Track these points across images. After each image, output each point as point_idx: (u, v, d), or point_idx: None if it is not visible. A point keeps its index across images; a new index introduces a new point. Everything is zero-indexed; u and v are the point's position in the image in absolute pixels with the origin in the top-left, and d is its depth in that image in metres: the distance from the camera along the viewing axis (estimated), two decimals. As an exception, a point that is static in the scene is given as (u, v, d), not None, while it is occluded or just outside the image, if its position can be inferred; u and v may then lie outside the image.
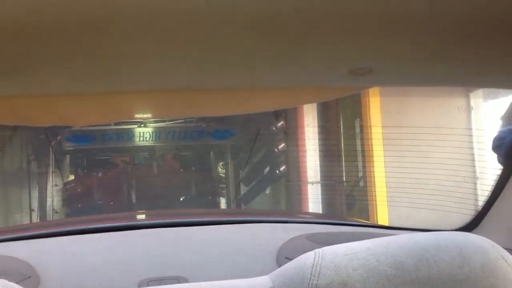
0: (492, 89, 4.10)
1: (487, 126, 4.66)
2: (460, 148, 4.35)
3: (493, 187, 1.30)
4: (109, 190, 6.83)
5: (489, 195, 1.32)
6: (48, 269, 1.17)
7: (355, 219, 3.39)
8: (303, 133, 5.51)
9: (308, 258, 0.65)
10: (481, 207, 1.34)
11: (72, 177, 6.93)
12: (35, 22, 0.68)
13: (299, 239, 1.32)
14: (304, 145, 5.51)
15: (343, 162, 5.36)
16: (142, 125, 6.27)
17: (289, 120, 5.92)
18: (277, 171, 6.24)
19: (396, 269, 0.61)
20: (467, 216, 1.43)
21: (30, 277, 1.12)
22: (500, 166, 1.27)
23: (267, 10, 0.69)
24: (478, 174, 4.54)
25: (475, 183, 4.49)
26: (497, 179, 1.28)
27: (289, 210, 6.10)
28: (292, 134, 5.86)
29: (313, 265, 0.63)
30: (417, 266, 0.61)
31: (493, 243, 0.65)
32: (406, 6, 0.70)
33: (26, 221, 6.04)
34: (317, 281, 0.61)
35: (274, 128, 6.03)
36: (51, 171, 6.21)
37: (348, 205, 5.51)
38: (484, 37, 0.81)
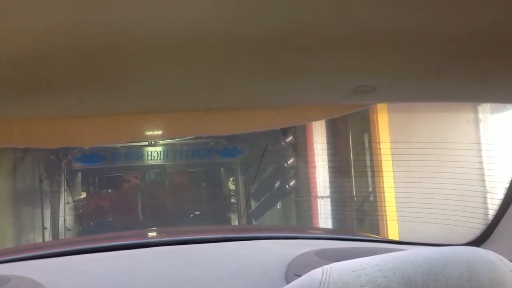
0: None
1: (496, 139, 4.64)
2: (469, 162, 4.33)
3: (502, 201, 1.29)
4: (119, 207, 6.86)
5: (497, 209, 1.31)
6: None
7: (364, 234, 3.37)
8: (312, 149, 5.51)
9: (316, 275, 0.65)
10: (490, 222, 1.34)
11: (83, 195, 6.96)
12: (43, 48, 0.69)
13: (308, 255, 1.31)
14: (314, 161, 5.50)
15: (353, 177, 5.35)
16: (151, 144, 6.30)
17: (298, 136, 5.93)
18: (287, 186, 6.23)
19: (404, 285, 0.61)
20: (477, 230, 1.43)
21: None
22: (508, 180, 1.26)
23: (271, 31, 0.70)
24: (488, 188, 4.52)
25: (485, 197, 4.46)
26: (505, 194, 1.28)
27: (299, 225, 6.07)
28: (301, 150, 5.86)
29: (321, 282, 0.63)
30: (425, 281, 0.61)
31: (502, 257, 0.64)
32: (408, 24, 0.70)
33: (39, 239, 6.07)
34: None
35: (283, 144, 6.05)
36: (63, 189, 6.26)
37: (358, 220, 5.48)
38: (486, 53, 0.81)
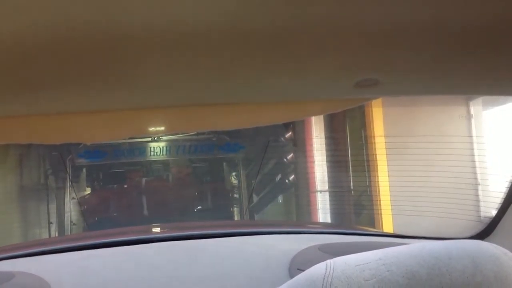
0: (491, 97, 4.14)
1: (487, 133, 4.69)
2: (461, 156, 4.36)
3: (506, 194, 1.27)
4: (123, 203, 6.88)
5: (501, 202, 1.29)
6: (63, 284, 1.15)
7: (366, 228, 3.36)
8: (311, 144, 5.54)
9: (319, 269, 0.64)
10: (494, 215, 1.32)
11: (88, 191, 6.99)
12: (46, 43, 0.68)
13: (311, 250, 1.30)
14: (312, 156, 5.53)
15: (350, 171, 5.38)
16: (154, 139, 6.31)
17: (298, 131, 5.95)
18: (287, 181, 6.27)
19: (408, 279, 0.60)
20: (469, 222, 1.42)
21: None
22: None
23: (274, 27, 0.69)
24: (479, 180, 4.55)
25: (477, 189, 4.49)
26: (509, 187, 1.26)
27: (301, 220, 6.09)
28: (301, 145, 5.89)
29: (324, 276, 0.62)
30: (429, 275, 0.60)
31: (506, 251, 0.63)
32: (410, 17, 0.69)
33: (45, 234, 6.10)
34: None
35: (283, 139, 6.07)
36: (68, 185, 6.28)
37: (355, 213, 5.51)
38: (489, 46, 0.80)
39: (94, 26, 0.65)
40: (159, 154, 6.55)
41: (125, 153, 6.40)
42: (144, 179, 7.13)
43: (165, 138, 6.35)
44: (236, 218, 7.02)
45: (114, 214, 6.76)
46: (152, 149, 6.47)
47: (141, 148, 6.45)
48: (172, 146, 6.53)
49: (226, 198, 7.26)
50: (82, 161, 6.33)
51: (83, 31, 0.66)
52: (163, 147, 6.49)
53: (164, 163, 7.01)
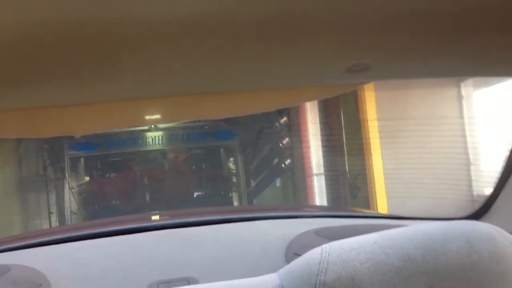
0: (482, 79, 4.16)
1: (478, 114, 4.73)
2: (453, 137, 4.40)
3: (501, 174, 1.27)
4: (121, 191, 6.88)
5: (497, 181, 1.28)
6: (59, 276, 1.15)
7: (362, 210, 3.37)
8: (306, 129, 5.56)
9: (315, 254, 0.64)
10: (489, 194, 1.32)
11: (86, 181, 6.99)
12: (35, 37, 0.67)
13: (307, 234, 1.30)
14: (308, 140, 5.55)
15: (345, 155, 5.42)
16: (147, 129, 6.28)
17: (292, 117, 5.96)
18: (283, 165, 6.30)
19: (404, 262, 0.60)
20: (463, 201, 1.41)
21: (41, 285, 1.09)
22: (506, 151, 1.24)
23: (265, 15, 0.68)
24: (471, 160, 4.59)
25: (469, 169, 4.53)
26: (504, 166, 1.26)
27: (298, 204, 6.12)
28: (295, 130, 5.90)
29: (320, 261, 0.62)
30: (424, 257, 0.60)
31: (501, 230, 0.63)
32: (401, 2, 0.69)
33: (45, 224, 6.11)
34: (324, 276, 0.60)
35: (278, 125, 6.08)
36: (67, 175, 6.28)
37: (351, 195, 5.56)
38: (478, 28, 0.80)
39: (83, 19, 0.64)
40: (152, 144, 6.52)
41: (118, 143, 6.37)
42: (141, 167, 7.12)
43: (158, 127, 6.32)
44: (235, 203, 7.05)
45: (113, 202, 6.77)
46: (145, 138, 6.45)
47: (133, 138, 6.42)
48: (165, 135, 6.51)
49: (224, 183, 7.27)
50: (74, 153, 6.32)
51: (72, 25, 0.65)
52: (155, 136, 6.46)
53: (162, 151, 7.01)
